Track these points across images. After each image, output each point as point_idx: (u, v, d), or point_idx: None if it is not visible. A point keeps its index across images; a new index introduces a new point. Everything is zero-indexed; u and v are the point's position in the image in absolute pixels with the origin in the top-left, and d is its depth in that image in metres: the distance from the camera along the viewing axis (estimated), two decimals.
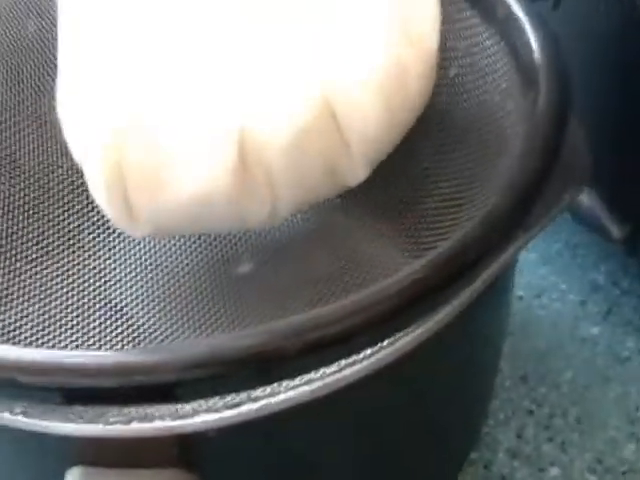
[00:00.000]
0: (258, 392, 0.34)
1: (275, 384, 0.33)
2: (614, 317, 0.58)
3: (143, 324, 0.47)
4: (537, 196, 0.36)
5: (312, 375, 0.34)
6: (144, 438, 0.34)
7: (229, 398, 0.34)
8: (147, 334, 0.47)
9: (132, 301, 0.49)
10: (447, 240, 0.34)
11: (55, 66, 0.51)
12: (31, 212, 0.52)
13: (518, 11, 0.44)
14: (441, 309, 0.35)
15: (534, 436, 0.53)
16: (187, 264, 0.50)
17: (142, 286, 0.49)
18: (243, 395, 0.34)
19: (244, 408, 0.34)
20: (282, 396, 0.34)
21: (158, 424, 0.34)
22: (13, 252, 0.50)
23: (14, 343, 0.45)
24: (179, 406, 0.34)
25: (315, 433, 0.37)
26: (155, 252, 0.51)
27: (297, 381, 0.34)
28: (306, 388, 0.34)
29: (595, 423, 0.54)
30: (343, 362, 0.35)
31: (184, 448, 0.35)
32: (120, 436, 0.34)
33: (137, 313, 0.48)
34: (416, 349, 0.36)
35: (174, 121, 0.41)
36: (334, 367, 0.34)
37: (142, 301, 0.48)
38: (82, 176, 0.50)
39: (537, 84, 0.40)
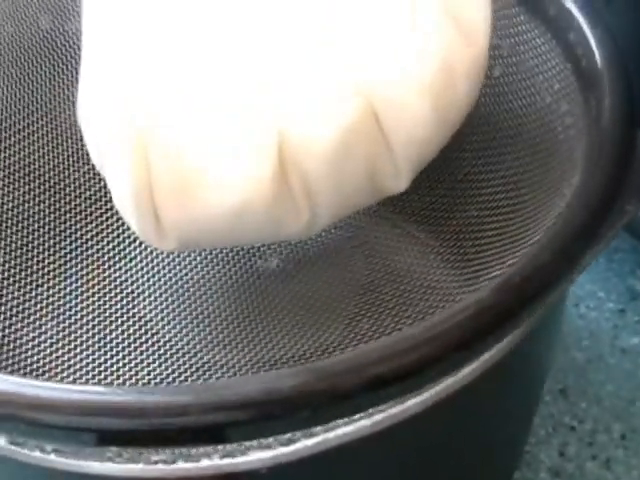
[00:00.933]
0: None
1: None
2: None
3: (170, 340, 0.45)
4: (609, 211, 0.33)
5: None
6: (188, 479, 0.31)
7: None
8: (174, 350, 0.44)
9: (157, 315, 0.46)
10: (517, 262, 0.31)
11: (70, 65, 0.49)
12: (47, 220, 0.49)
13: (572, 7, 0.41)
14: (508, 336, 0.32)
15: (577, 454, 0.51)
16: (215, 275, 0.47)
17: (167, 299, 0.46)
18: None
19: (299, 445, 0.31)
20: (339, 431, 0.31)
21: (205, 463, 0.31)
22: (29, 263, 0.47)
23: (31, 369, 0.41)
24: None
25: (372, 467, 0.34)
26: (180, 262, 0.48)
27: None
28: (365, 422, 0.31)
29: None
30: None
31: None
32: (162, 477, 0.31)
33: (163, 328, 0.45)
34: (478, 379, 0.33)
35: (206, 126, 0.38)
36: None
37: (168, 315, 0.46)
38: (99, 182, 0.48)
39: (600, 86, 0.38)
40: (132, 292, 0.47)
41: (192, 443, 0.29)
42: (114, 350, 0.44)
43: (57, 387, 0.30)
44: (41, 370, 0.42)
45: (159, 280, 0.48)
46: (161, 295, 0.47)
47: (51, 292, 0.47)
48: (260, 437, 0.30)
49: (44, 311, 0.45)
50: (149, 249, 0.49)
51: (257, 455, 0.32)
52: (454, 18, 0.40)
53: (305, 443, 0.32)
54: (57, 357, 0.44)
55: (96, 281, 0.48)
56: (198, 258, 0.48)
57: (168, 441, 0.29)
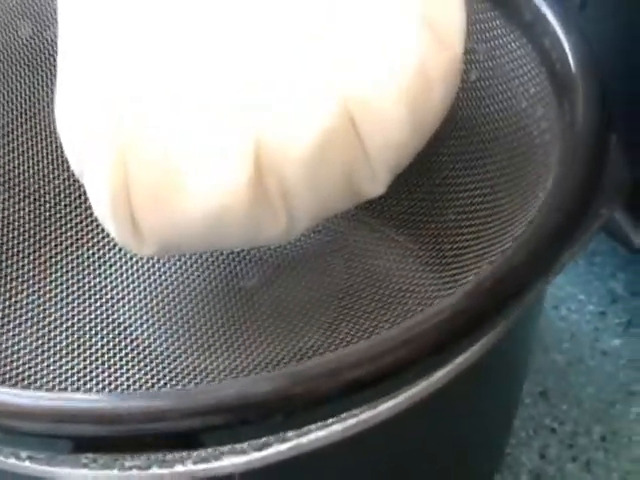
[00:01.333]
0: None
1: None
2: (635, 328, 0.56)
3: (149, 345, 0.45)
4: (584, 214, 0.33)
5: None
6: None
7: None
8: (154, 356, 0.44)
9: (136, 321, 0.46)
10: (493, 263, 0.31)
11: (50, 72, 0.49)
12: (27, 227, 0.49)
13: (547, 12, 0.41)
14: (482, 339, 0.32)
15: (557, 456, 0.51)
16: (194, 281, 0.47)
17: (146, 305, 0.47)
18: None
19: (272, 450, 0.31)
20: (312, 436, 0.31)
21: (179, 469, 0.31)
22: (8, 270, 0.47)
23: (10, 376, 0.41)
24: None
25: (345, 471, 0.34)
26: (159, 268, 0.48)
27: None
28: (338, 427, 0.31)
29: (620, 441, 0.51)
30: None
31: None
32: None
33: (142, 334, 0.45)
34: (453, 382, 0.33)
35: (183, 131, 0.38)
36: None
37: (147, 321, 0.46)
38: (79, 189, 0.48)
39: (574, 91, 0.38)
40: (112, 298, 0.48)
41: (168, 448, 0.30)
42: (93, 357, 0.45)
43: (31, 395, 0.30)
44: (20, 377, 0.42)
45: (139, 286, 0.48)
46: (140, 301, 0.47)
47: (30, 299, 0.47)
48: (235, 442, 0.30)
49: (23, 318, 0.45)
50: (129, 255, 0.49)
51: (231, 460, 0.32)
52: (430, 24, 0.40)
53: (278, 448, 0.32)
54: (36, 364, 0.44)
55: (76, 287, 0.48)
56: (177, 264, 0.49)
57: (143, 447, 0.29)
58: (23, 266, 0.48)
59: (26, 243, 0.49)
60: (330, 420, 0.31)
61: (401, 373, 0.29)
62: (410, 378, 0.30)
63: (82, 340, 0.45)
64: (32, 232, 0.49)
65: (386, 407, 0.32)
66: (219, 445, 0.30)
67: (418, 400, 0.33)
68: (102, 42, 0.40)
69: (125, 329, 0.46)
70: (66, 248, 0.49)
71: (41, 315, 0.47)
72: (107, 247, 0.49)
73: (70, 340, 0.45)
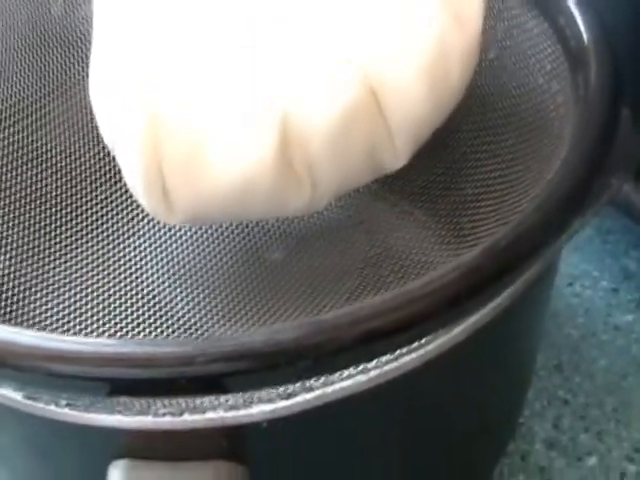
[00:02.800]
0: (313, 382, 0.33)
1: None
2: None
3: (177, 312, 0.46)
4: (593, 181, 0.35)
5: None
6: (194, 429, 0.33)
7: (283, 388, 0.33)
8: (182, 323, 0.45)
9: (165, 289, 0.48)
10: (508, 224, 0.33)
11: (81, 50, 0.51)
12: (59, 199, 0.50)
13: None
14: (497, 297, 0.34)
15: (570, 426, 0.52)
16: (220, 252, 0.49)
17: (174, 274, 0.48)
18: (297, 385, 0.33)
19: (298, 399, 0.33)
20: (337, 386, 0.33)
21: (210, 415, 0.33)
22: (42, 240, 0.49)
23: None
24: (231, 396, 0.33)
25: (368, 423, 0.36)
26: (187, 239, 0.50)
27: (352, 370, 0.33)
28: (362, 377, 0.33)
29: (631, 412, 0.53)
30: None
31: (234, 440, 0.34)
32: (170, 428, 0.33)
33: (170, 302, 0.47)
34: (470, 339, 0.35)
35: (214, 104, 0.40)
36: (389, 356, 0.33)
37: (175, 289, 0.47)
38: (111, 161, 0.50)
39: (586, 65, 0.39)
40: (141, 267, 0.49)
41: (201, 392, 0.31)
42: (123, 321, 0.46)
43: (72, 340, 0.32)
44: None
45: (167, 256, 0.50)
46: (169, 270, 0.49)
47: (63, 267, 0.48)
48: (264, 387, 0.32)
49: (61, 282, 0.47)
50: (157, 227, 0.50)
51: (259, 408, 0.33)
52: (449, 2, 0.41)
53: (304, 397, 0.33)
54: (68, 322, 0.45)
55: (107, 257, 0.50)
56: (205, 235, 0.50)
57: (177, 390, 0.31)
58: (56, 236, 0.49)
59: (58, 215, 0.50)
60: (354, 371, 0.33)
61: (420, 324, 0.31)
62: (429, 329, 0.32)
63: (112, 306, 0.47)
64: (64, 204, 0.50)
65: (407, 360, 0.34)
66: (248, 390, 0.31)
67: (437, 355, 0.35)
68: (135, 18, 0.42)
69: (154, 297, 0.47)
70: (96, 220, 0.51)
71: (73, 284, 0.48)
72: (136, 218, 0.50)
73: (102, 306, 0.47)
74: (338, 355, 0.30)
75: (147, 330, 0.45)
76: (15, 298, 0.46)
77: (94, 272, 0.48)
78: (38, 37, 0.52)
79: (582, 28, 0.41)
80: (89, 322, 0.45)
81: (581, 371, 0.55)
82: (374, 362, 0.33)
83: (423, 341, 0.34)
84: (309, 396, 0.33)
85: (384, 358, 0.33)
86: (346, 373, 0.33)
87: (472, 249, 0.43)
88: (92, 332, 0.44)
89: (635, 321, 0.57)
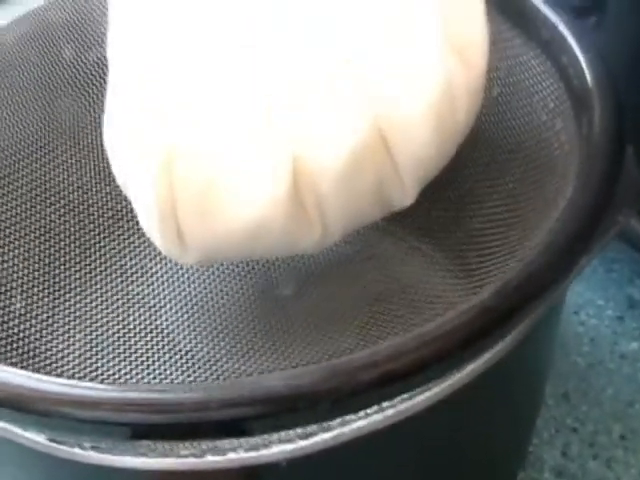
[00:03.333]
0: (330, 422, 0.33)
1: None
2: None
3: (190, 350, 0.47)
4: (601, 219, 0.36)
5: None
6: (216, 470, 0.34)
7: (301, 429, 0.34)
8: (196, 361, 0.46)
9: (178, 327, 0.48)
10: (514, 267, 0.34)
11: (92, 92, 0.52)
12: (72, 238, 0.51)
13: (564, 31, 0.44)
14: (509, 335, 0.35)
15: (579, 454, 0.53)
16: (232, 289, 0.50)
17: (187, 312, 0.49)
18: (315, 425, 0.33)
19: (316, 438, 0.34)
20: (354, 425, 0.34)
21: (231, 456, 0.33)
22: (55, 280, 0.50)
23: (61, 373, 0.44)
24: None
25: (383, 459, 0.36)
26: (198, 276, 0.51)
27: (369, 410, 0.34)
28: (378, 416, 0.34)
29: (639, 439, 0.53)
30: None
31: (254, 479, 0.34)
32: (192, 469, 0.34)
33: (184, 339, 0.48)
34: (482, 377, 0.36)
35: (226, 148, 0.41)
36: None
37: (188, 328, 0.48)
38: (121, 201, 0.51)
39: (591, 105, 0.40)
40: (153, 305, 0.50)
41: (222, 436, 0.32)
42: (138, 360, 0.47)
43: (94, 386, 0.33)
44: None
45: (179, 294, 0.51)
46: (182, 308, 0.50)
47: (77, 306, 0.49)
48: (284, 429, 0.32)
49: (70, 322, 0.48)
50: (169, 265, 0.51)
51: (278, 448, 0.34)
52: (454, 43, 0.42)
53: (322, 437, 0.34)
54: (84, 366, 0.46)
55: (120, 295, 0.51)
56: (216, 273, 0.51)
57: (199, 434, 0.31)
58: (70, 275, 0.50)
59: (72, 253, 0.51)
60: (370, 411, 0.34)
61: (436, 365, 0.32)
62: (444, 370, 0.33)
63: (126, 344, 0.47)
64: (77, 243, 0.51)
65: (421, 398, 0.35)
66: (269, 432, 0.32)
67: (449, 393, 0.35)
68: (148, 61, 0.43)
69: (167, 334, 0.48)
70: (110, 258, 0.51)
71: (87, 322, 0.49)
72: (149, 257, 0.51)
73: (115, 344, 0.47)
74: (356, 397, 0.31)
75: (162, 368, 0.46)
76: (29, 339, 0.46)
77: (108, 312, 0.49)
78: (50, 81, 0.53)
79: (584, 67, 0.42)
80: (104, 364, 0.45)
81: (588, 399, 0.55)
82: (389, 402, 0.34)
83: (437, 380, 0.34)
84: (327, 436, 0.34)
85: (399, 398, 0.34)
86: (362, 413, 0.34)
87: (480, 283, 0.44)
88: (108, 372, 0.45)
89: None
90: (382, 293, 0.48)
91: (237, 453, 0.34)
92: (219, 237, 0.41)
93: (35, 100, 0.53)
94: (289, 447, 0.34)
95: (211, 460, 0.34)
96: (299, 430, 0.34)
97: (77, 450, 0.34)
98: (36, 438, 0.35)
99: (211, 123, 0.41)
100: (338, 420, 0.34)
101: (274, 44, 0.42)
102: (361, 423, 0.34)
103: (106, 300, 0.50)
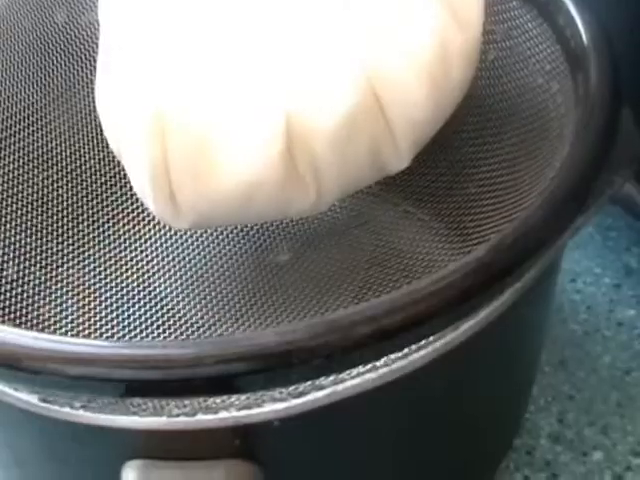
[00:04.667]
0: (323, 380, 0.33)
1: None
2: None
3: (186, 314, 0.47)
4: (597, 178, 0.35)
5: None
6: (207, 429, 0.33)
7: (294, 387, 0.33)
8: (191, 324, 0.46)
9: (172, 292, 0.48)
10: (514, 221, 0.33)
11: (84, 57, 0.51)
12: (65, 204, 0.51)
13: None
14: (504, 293, 0.35)
15: (575, 421, 0.53)
16: (226, 253, 0.49)
17: (181, 276, 0.49)
18: (308, 383, 0.33)
19: (309, 397, 0.33)
20: (347, 383, 0.34)
21: (223, 415, 0.33)
22: (49, 245, 0.49)
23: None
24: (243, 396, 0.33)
25: (377, 419, 0.36)
26: (193, 241, 0.50)
27: (362, 368, 0.33)
28: (371, 375, 0.34)
29: (636, 406, 0.53)
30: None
31: (247, 439, 0.34)
32: (183, 428, 0.33)
33: (178, 304, 0.47)
34: (477, 335, 0.35)
35: (219, 106, 0.40)
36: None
37: (183, 292, 0.48)
38: (115, 167, 0.50)
39: (587, 66, 0.40)
40: (148, 270, 0.50)
41: (213, 393, 0.32)
42: (132, 325, 0.47)
43: (85, 342, 0.33)
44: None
45: (173, 259, 0.50)
46: (176, 273, 0.49)
47: (70, 272, 0.49)
48: (276, 386, 0.32)
49: (69, 286, 0.47)
50: (164, 230, 0.51)
51: (271, 407, 0.34)
52: (449, 5, 0.42)
53: (315, 395, 0.34)
54: (77, 330, 0.46)
55: (113, 261, 0.50)
56: (210, 239, 0.51)
57: (191, 391, 0.31)
58: (63, 241, 0.50)
59: (65, 219, 0.50)
60: (364, 369, 0.34)
61: (430, 321, 0.31)
62: (438, 327, 0.32)
63: (120, 309, 0.47)
64: (71, 209, 0.51)
65: (415, 357, 0.34)
66: (261, 389, 0.32)
67: (443, 353, 0.35)
68: (140, 24, 0.42)
69: (162, 299, 0.48)
70: (103, 223, 0.51)
71: (81, 287, 0.49)
72: (143, 222, 0.51)
73: (109, 309, 0.47)
74: (350, 353, 0.31)
75: (156, 332, 0.46)
76: (25, 302, 0.46)
77: (102, 276, 0.49)
78: (42, 45, 0.52)
79: (581, 28, 0.42)
80: (99, 325, 0.45)
81: (585, 367, 0.55)
82: (383, 360, 0.34)
83: (431, 339, 0.34)
84: (320, 394, 0.34)
85: (393, 356, 0.34)
86: (355, 371, 0.34)
87: (476, 247, 0.44)
88: (102, 335, 0.45)
89: (637, 316, 0.57)
90: (377, 258, 0.48)
91: (229, 412, 0.33)
92: (212, 199, 0.41)
93: (27, 65, 0.52)
94: (282, 406, 0.33)
95: (202, 419, 0.33)
96: (292, 389, 0.33)
97: (68, 409, 0.34)
98: (27, 398, 0.34)
99: (203, 85, 0.40)
100: (331, 379, 0.33)
101: (267, 6, 0.41)
102: (354, 382, 0.34)
103: (99, 266, 0.50)
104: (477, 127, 0.48)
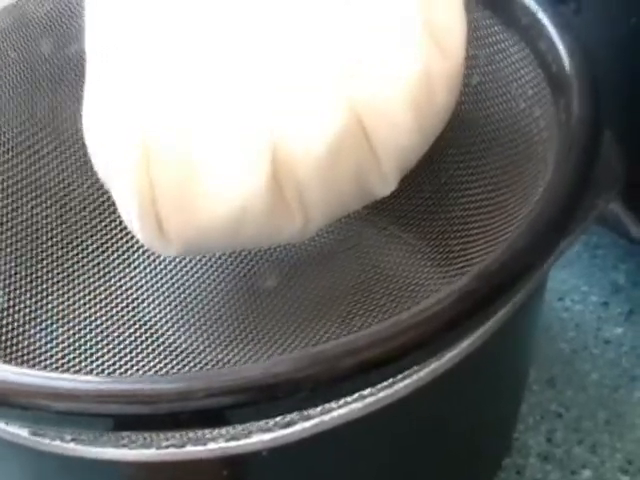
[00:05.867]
0: (310, 410, 0.33)
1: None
2: (637, 317, 0.58)
3: (174, 341, 0.47)
4: (580, 203, 0.36)
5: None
6: (196, 460, 0.34)
7: (281, 418, 0.34)
8: (179, 353, 0.46)
9: (161, 319, 0.48)
10: (496, 250, 0.34)
11: (71, 86, 0.52)
12: (54, 232, 0.51)
13: (543, 18, 0.44)
14: (490, 319, 0.35)
15: (564, 439, 0.53)
16: (214, 280, 0.50)
17: (170, 304, 0.49)
18: (295, 414, 0.33)
19: (297, 427, 0.34)
20: (334, 413, 0.34)
21: (211, 446, 0.33)
22: (37, 274, 0.50)
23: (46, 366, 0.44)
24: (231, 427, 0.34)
25: (365, 448, 0.37)
26: (180, 269, 0.51)
27: (348, 398, 0.34)
28: (358, 404, 0.34)
29: (624, 424, 0.54)
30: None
31: (235, 468, 0.35)
32: (173, 460, 0.34)
33: (167, 332, 0.48)
34: (462, 362, 0.36)
35: (206, 139, 0.41)
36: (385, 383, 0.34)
37: (171, 319, 0.48)
38: (103, 194, 0.50)
39: (569, 91, 0.40)
40: (137, 298, 0.50)
41: (202, 426, 0.32)
42: (121, 352, 0.47)
43: (75, 378, 0.33)
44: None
45: (162, 286, 0.51)
46: (164, 300, 0.50)
47: (60, 300, 0.49)
48: (263, 418, 0.33)
49: (57, 317, 0.48)
50: (152, 257, 0.51)
51: (259, 437, 0.34)
52: (433, 33, 0.42)
53: (302, 425, 0.34)
54: (67, 360, 0.46)
55: (102, 288, 0.50)
56: (198, 265, 0.51)
57: (179, 424, 0.31)
58: (52, 269, 0.50)
59: (54, 247, 0.51)
60: (350, 399, 0.34)
61: (415, 351, 0.32)
62: (424, 356, 0.33)
63: (109, 337, 0.47)
64: (60, 237, 0.51)
65: (401, 386, 0.35)
66: (249, 421, 0.32)
67: (430, 380, 0.35)
68: (126, 53, 0.42)
69: (150, 327, 0.48)
70: (92, 252, 0.51)
71: (70, 316, 0.49)
72: (131, 250, 0.51)
73: (98, 337, 0.47)
74: (335, 385, 0.31)
75: (145, 360, 0.46)
76: (12, 334, 0.46)
77: (90, 305, 0.49)
78: (29, 75, 0.53)
79: (562, 53, 0.42)
80: (89, 353, 0.45)
81: (573, 385, 0.56)
82: (369, 390, 0.34)
83: (417, 367, 0.34)
84: (307, 424, 0.34)
85: (379, 385, 0.34)
86: (342, 401, 0.34)
87: (462, 271, 0.44)
88: (92, 362, 0.45)
89: (625, 334, 0.57)
90: (364, 283, 0.49)
91: (217, 443, 0.34)
92: (199, 229, 0.41)
93: (14, 95, 0.52)
94: (270, 436, 0.34)
95: (192, 450, 0.34)
96: (279, 419, 0.33)
97: (58, 443, 0.34)
98: (17, 432, 0.35)
99: (189, 115, 0.41)
100: (319, 409, 0.33)
101: (251, 33, 0.42)
102: (342, 411, 0.34)
103: (88, 294, 0.50)
104: (461, 151, 0.49)
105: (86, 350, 0.46)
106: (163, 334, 0.47)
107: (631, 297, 0.59)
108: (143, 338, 0.47)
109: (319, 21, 0.42)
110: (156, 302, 0.49)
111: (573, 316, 0.58)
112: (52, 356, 0.46)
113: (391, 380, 0.34)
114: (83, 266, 0.51)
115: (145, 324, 0.48)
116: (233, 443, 0.34)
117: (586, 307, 0.59)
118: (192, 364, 0.45)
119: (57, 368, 0.45)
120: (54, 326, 0.47)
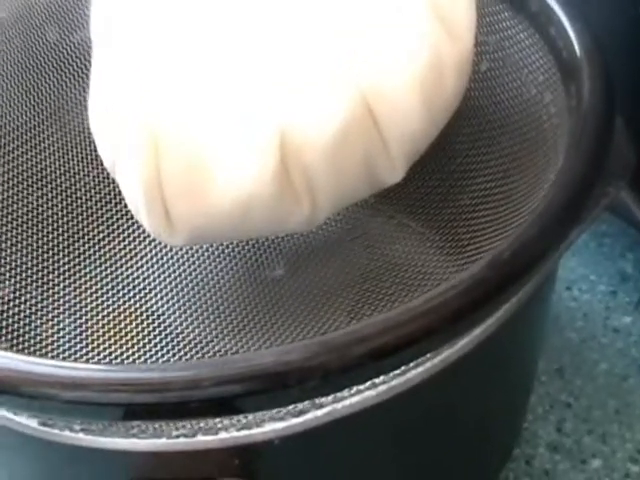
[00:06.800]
0: (323, 399, 0.33)
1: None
2: None
3: (182, 332, 0.47)
4: (591, 191, 0.35)
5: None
6: (207, 450, 0.33)
7: (293, 406, 0.33)
8: (187, 342, 0.46)
9: (168, 309, 0.48)
10: (507, 239, 0.33)
11: (77, 74, 0.51)
12: (60, 222, 0.51)
13: (552, 3, 0.43)
14: (501, 308, 0.35)
15: (574, 429, 0.53)
16: (222, 269, 0.49)
17: (178, 293, 0.49)
18: (307, 402, 0.33)
19: (309, 415, 0.33)
20: (346, 402, 0.34)
21: (223, 435, 0.33)
22: (45, 264, 0.49)
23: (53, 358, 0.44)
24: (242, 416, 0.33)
25: (377, 436, 0.36)
26: (188, 258, 0.50)
27: (361, 386, 0.33)
28: (370, 392, 0.34)
29: (634, 413, 0.53)
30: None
31: (247, 458, 0.34)
32: (184, 449, 0.33)
33: (175, 321, 0.47)
34: (474, 351, 0.35)
35: (213, 126, 0.40)
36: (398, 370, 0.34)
37: (179, 309, 0.48)
38: (110, 184, 0.50)
39: (579, 75, 0.40)
40: (144, 288, 0.50)
41: (211, 415, 0.32)
42: (129, 343, 0.47)
43: (85, 367, 0.33)
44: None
45: (169, 276, 0.50)
46: (172, 290, 0.49)
47: (66, 290, 0.49)
48: (274, 407, 0.32)
49: (65, 307, 0.47)
50: (159, 247, 0.51)
51: (271, 426, 0.34)
52: (441, 17, 0.42)
53: (315, 414, 0.34)
54: (75, 350, 0.46)
55: (109, 278, 0.50)
56: (206, 254, 0.51)
57: (190, 413, 0.31)
58: (59, 259, 0.50)
59: (60, 237, 0.50)
60: (363, 387, 0.34)
61: (427, 339, 0.31)
62: (435, 344, 0.32)
63: (117, 327, 0.47)
64: (66, 227, 0.51)
65: (413, 373, 0.34)
66: (259, 410, 0.32)
67: (442, 368, 0.35)
68: (133, 40, 0.42)
69: (158, 317, 0.48)
70: (98, 241, 0.51)
71: (76, 306, 0.49)
72: (138, 240, 0.51)
73: (106, 328, 0.47)
74: (346, 373, 0.31)
75: (153, 350, 0.46)
76: (19, 324, 0.46)
77: (97, 295, 0.49)
78: (34, 63, 0.52)
79: (573, 38, 0.42)
80: (96, 343, 0.45)
81: (582, 374, 0.55)
82: (382, 377, 0.34)
83: (429, 355, 0.34)
84: (319, 413, 0.34)
85: (391, 373, 0.34)
86: (355, 389, 0.34)
87: (471, 259, 0.44)
88: (100, 353, 0.44)
89: (633, 323, 0.57)
90: (372, 272, 0.48)
91: (229, 432, 0.33)
92: (206, 217, 0.41)
93: (20, 84, 0.52)
94: (282, 425, 0.33)
95: (203, 440, 0.33)
96: (291, 407, 0.33)
97: (67, 432, 0.34)
98: (27, 422, 0.34)
99: (196, 101, 0.40)
100: (331, 397, 0.33)
101: (260, 20, 0.41)
102: (354, 399, 0.34)
103: (95, 284, 0.49)
104: (471, 138, 0.48)
105: (93, 340, 0.46)
106: (170, 324, 0.47)
107: (639, 286, 0.58)
108: (151, 328, 0.47)
109: (326, 8, 0.41)
110: (163, 292, 0.49)
111: (581, 305, 0.58)
112: (60, 346, 0.46)
113: (403, 368, 0.34)
114: (90, 256, 0.50)
115: (152, 314, 0.48)
116: (245, 432, 0.33)
117: (594, 296, 0.59)
118: (200, 354, 0.45)
119: (65, 358, 0.44)
120: (61, 316, 0.47)
